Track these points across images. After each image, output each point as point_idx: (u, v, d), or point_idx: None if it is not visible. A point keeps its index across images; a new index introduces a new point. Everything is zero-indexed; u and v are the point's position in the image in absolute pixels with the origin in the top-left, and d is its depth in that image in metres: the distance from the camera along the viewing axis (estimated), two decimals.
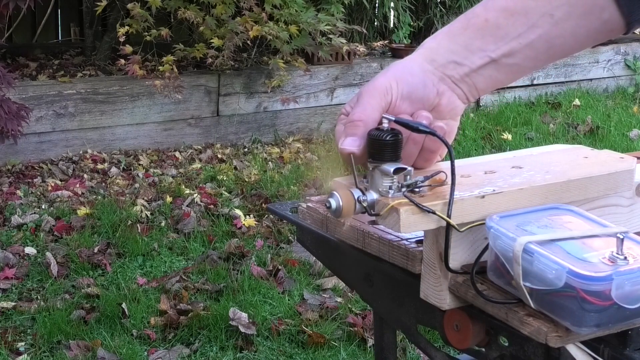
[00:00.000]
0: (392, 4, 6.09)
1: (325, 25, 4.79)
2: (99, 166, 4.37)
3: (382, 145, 0.99)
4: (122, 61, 4.53)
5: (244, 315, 2.89)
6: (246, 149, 4.89)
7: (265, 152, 4.81)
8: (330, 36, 4.86)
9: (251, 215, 3.78)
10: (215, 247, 3.51)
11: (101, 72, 5.00)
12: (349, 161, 1.01)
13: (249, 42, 4.63)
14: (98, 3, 4.58)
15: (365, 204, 0.99)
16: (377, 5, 6.12)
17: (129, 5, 4.54)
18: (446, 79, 1.04)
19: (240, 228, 3.67)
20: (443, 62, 1.03)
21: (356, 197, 1.00)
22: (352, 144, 1.01)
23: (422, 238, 1.05)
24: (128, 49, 4.48)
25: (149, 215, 3.74)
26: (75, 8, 5.78)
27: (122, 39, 4.46)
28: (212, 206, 3.89)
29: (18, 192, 3.96)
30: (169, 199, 3.92)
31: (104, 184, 4.17)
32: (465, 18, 1.04)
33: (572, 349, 0.92)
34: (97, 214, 3.72)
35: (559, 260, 0.88)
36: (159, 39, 4.63)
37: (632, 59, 6.66)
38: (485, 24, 1.02)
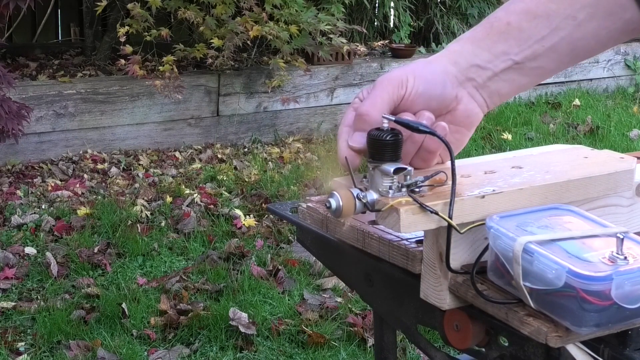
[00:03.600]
0: (392, 4, 6.09)
1: (326, 25, 4.79)
2: (99, 166, 4.37)
3: (382, 145, 0.99)
4: (122, 61, 4.53)
5: (244, 315, 2.89)
6: (246, 149, 4.89)
7: (265, 152, 4.81)
8: (331, 36, 4.86)
9: (251, 215, 3.78)
10: (215, 247, 3.51)
11: (101, 72, 5.00)
12: (345, 165, 1.01)
13: (249, 42, 4.63)
14: (98, 3, 4.58)
15: (364, 201, 0.99)
16: (377, 5, 6.12)
17: (129, 5, 4.54)
18: (467, 83, 1.03)
19: (240, 228, 3.67)
20: (466, 66, 1.02)
21: (355, 195, 1.00)
22: (361, 140, 1.00)
23: (422, 238, 1.05)
24: (128, 49, 4.48)
25: (149, 215, 3.74)
26: (75, 8, 5.78)
27: (122, 39, 4.46)
28: (212, 206, 3.89)
29: (18, 192, 3.96)
30: (169, 199, 3.92)
31: (104, 184, 4.17)
32: (487, 22, 1.03)
33: (572, 349, 0.92)
34: (97, 214, 3.72)
35: (558, 260, 0.88)
36: (159, 39, 4.63)
37: (632, 59, 6.66)
38: (508, 28, 1.01)
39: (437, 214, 0.96)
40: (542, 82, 6.30)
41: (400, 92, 1.01)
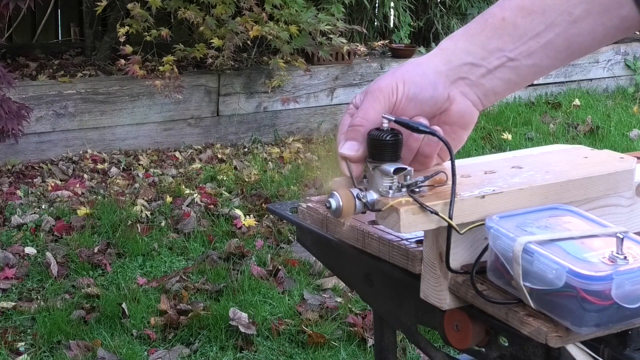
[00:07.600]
0: (392, 4, 6.09)
1: (326, 25, 4.79)
2: (99, 166, 4.37)
3: (382, 145, 0.99)
4: (122, 61, 4.53)
5: (244, 315, 2.89)
6: (246, 149, 4.89)
7: (265, 152, 4.81)
8: (331, 36, 4.86)
9: (251, 215, 3.78)
10: (215, 247, 3.51)
11: (101, 72, 5.00)
12: (345, 164, 1.01)
13: (249, 42, 4.63)
14: (98, 3, 4.58)
15: (364, 201, 0.99)
16: (377, 5, 6.11)
17: (129, 5, 4.54)
18: (460, 82, 1.02)
19: (240, 228, 3.67)
20: (459, 64, 1.01)
21: (355, 195, 1.00)
22: (350, 148, 1.01)
23: (422, 238, 1.05)
24: (128, 49, 4.48)
25: (149, 215, 3.74)
26: (75, 8, 5.78)
27: (122, 39, 4.46)
28: (212, 206, 3.89)
29: (18, 192, 3.96)
30: (169, 199, 3.92)
31: (104, 184, 4.17)
32: (482, 18, 1.02)
33: (572, 349, 0.92)
34: (97, 214, 3.72)
35: (558, 260, 0.88)
36: (159, 39, 4.63)
37: (632, 59, 6.66)
38: (503, 23, 1.00)
39: (437, 214, 0.96)
40: (542, 82, 6.30)
41: (391, 100, 1.00)
